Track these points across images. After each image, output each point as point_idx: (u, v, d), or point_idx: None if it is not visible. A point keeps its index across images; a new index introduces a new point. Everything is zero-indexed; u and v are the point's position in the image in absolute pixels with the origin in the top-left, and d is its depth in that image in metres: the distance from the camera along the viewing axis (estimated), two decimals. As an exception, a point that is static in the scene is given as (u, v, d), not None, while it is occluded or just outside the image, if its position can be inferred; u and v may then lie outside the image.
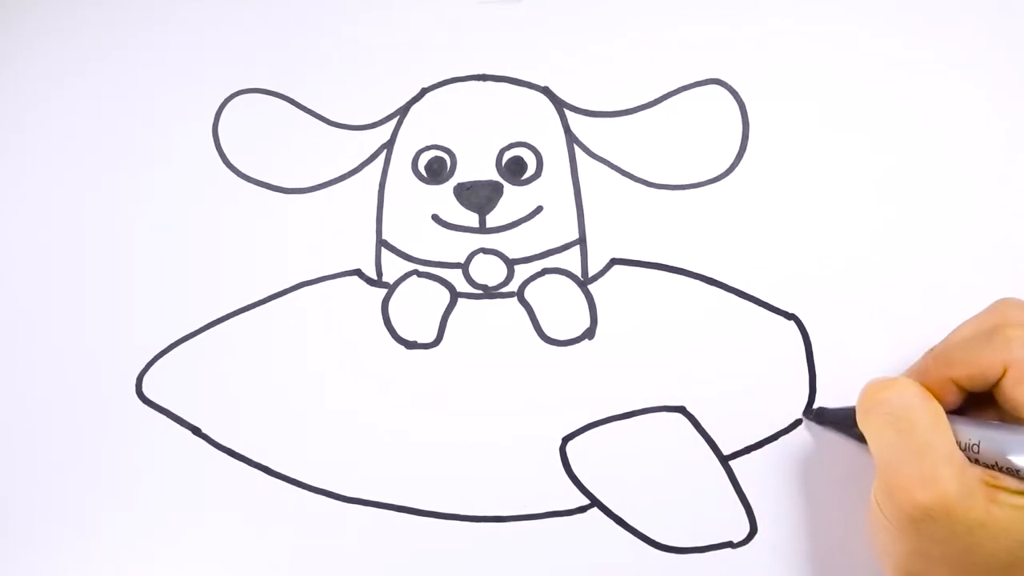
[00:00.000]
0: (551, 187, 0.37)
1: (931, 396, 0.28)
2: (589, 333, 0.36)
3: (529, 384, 0.36)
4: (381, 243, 0.38)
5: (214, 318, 0.38)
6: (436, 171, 0.38)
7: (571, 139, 0.38)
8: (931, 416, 0.27)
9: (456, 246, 0.37)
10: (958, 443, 0.27)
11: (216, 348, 0.37)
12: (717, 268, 0.36)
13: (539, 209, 0.37)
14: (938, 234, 0.35)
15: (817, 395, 0.35)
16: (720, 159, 0.37)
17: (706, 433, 0.35)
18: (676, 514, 0.35)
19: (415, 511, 0.36)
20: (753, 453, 0.35)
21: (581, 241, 0.37)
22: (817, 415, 0.34)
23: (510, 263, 0.37)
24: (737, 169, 0.37)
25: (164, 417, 0.37)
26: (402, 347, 0.37)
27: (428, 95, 0.39)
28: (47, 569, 0.36)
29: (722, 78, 0.37)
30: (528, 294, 0.37)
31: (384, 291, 0.37)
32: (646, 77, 0.38)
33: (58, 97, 0.40)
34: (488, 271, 0.37)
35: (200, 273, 0.38)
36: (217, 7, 0.40)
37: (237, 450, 0.37)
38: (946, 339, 0.31)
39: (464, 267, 0.37)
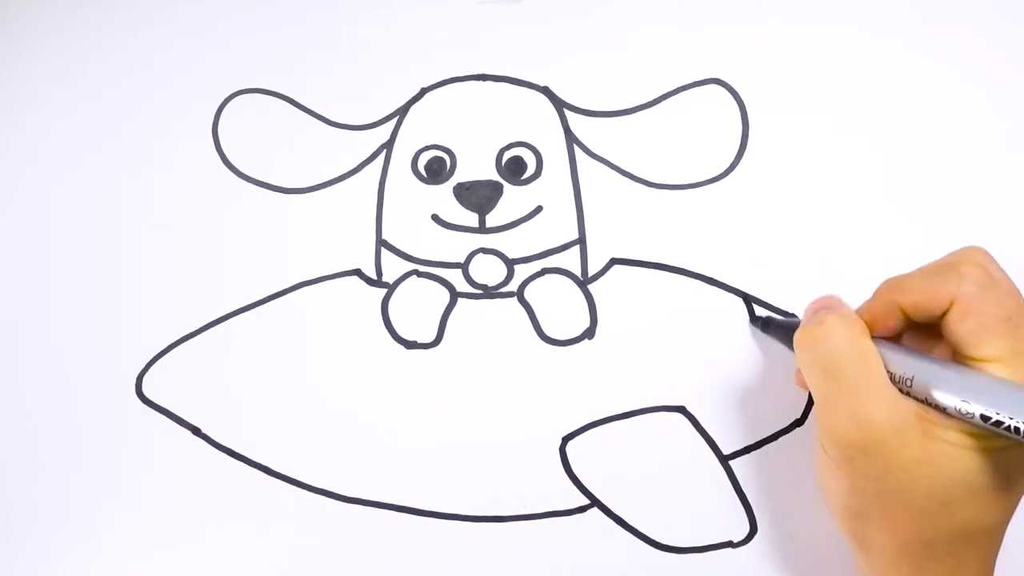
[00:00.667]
0: (551, 187, 0.37)
1: (862, 332, 0.28)
2: (589, 333, 0.36)
3: (529, 384, 0.36)
4: (381, 243, 0.38)
5: (214, 318, 0.38)
6: (436, 171, 0.38)
7: (571, 139, 0.38)
8: (860, 354, 0.27)
9: (456, 246, 0.37)
10: (892, 375, 0.27)
11: (216, 348, 0.37)
12: (717, 268, 0.36)
13: (539, 209, 0.37)
14: (938, 234, 0.35)
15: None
16: (720, 159, 0.37)
17: (706, 433, 0.35)
18: (676, 514, 0.35)
19: (415, 511, 0.36)
20: (753, 453, 0.35)
21: (581, 241, 0.37)
22: (763, 323, 0.34)
23: (510, 263, 0.37)
24: (737, 169, 0.37)
25: (164, 417, 0.37)
26: (402, 347, 0.37)
27: (428, 95, 0.39)
28: (47, 569, 0.36)
29: (722, 78, 0.37)
30: (528, 294, 0.37)
31: (384, 291, 0.37)
32: (646, 77, 0.38)
33: (58, 97, 0.40)
34: (488, 271, 0.37)
35: (200, 273, 0.38)
36: (217, 7, 0.40)
37: (237, 450, 0.37)
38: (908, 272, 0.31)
39: (464, 267, 0.37)
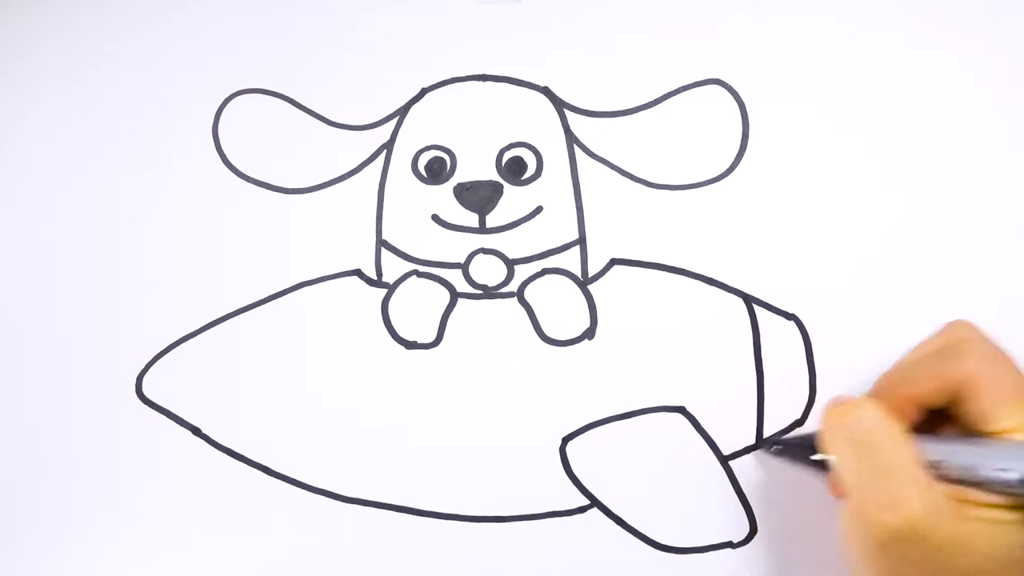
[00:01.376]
0: (551, 187, 0.37)
1: (891, 417, 0.28)
2: (589, 333, 0.36)
3: (529, 384, 0.36)
4: (381, 243, 0.38)
5: (214, 318, 0.38)
6: (436, 171, 0.38)
7: (571, 139, 0.38)
8: (892, 437, 0.27)
9: (456, 246, 0.37)
10: (922, 462, 0.27)
11: (216, 348, 0.37)
12: (717, 268, 0.36)
13: (539, 209, 0.37)
14: (938, 234, 0.35)
15: (817, 395, 0.35)
16: (720, 159, 0.37)
17: (706, 433, 0.35)
18: (676, 514, 0.35)
19: (415, 511, 0.36)
20: (753, 453, 0.35)
21: (581, 241, 0.37)
22: (777, 449, 0.33)
23: (510, 263, 0.37)
24: (737, 169, 0.37)
25: (164, 417, 0.37)
26: (402, 347, 0.37)
27: (428, 95, 0.39)
28: (47, 569, 0.36)
29: (722, 78, 0.37)
30: (528, 294, 0.37)
31: (384, 291, 0.37)
32: (646, 77, 0.38)
33: (58, 97, 0.40)
34: (488, 271, 0.37)
35: (200, 273, 0.38)
36: (217, 7, 0.40)
37: (237, 450, 0.37)
38: (898, 362, 0.31)
39: (464, 267, 0.37)
